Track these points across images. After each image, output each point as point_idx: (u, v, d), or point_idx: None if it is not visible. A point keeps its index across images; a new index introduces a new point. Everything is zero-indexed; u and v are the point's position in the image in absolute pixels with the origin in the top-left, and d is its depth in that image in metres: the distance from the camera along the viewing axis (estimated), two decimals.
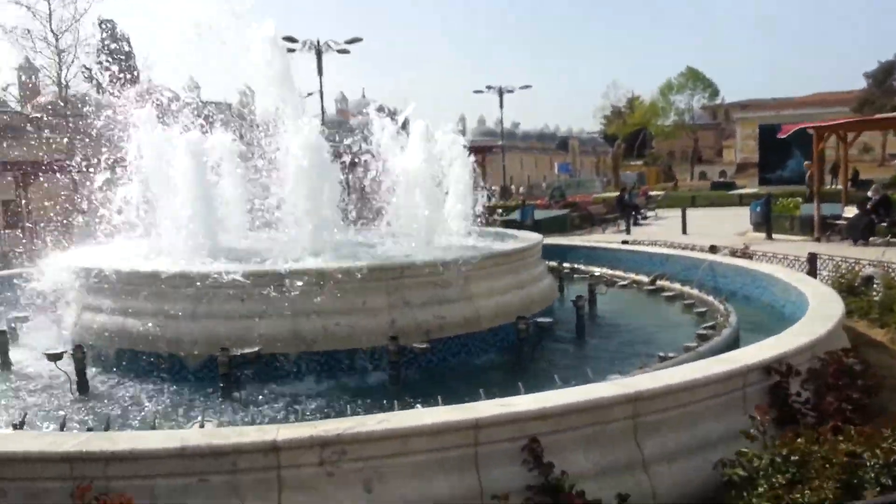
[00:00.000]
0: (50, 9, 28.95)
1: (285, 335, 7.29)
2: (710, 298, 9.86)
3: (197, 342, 7.29)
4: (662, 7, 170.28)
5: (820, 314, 6.95)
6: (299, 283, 7.34)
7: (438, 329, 7.75)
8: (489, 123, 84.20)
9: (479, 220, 10.84)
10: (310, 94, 63.73)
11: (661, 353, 7.11)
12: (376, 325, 7.46)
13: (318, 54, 41.94)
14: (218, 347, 6.94)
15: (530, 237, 10.47)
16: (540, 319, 8.10)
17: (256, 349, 6.93)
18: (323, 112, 42.97)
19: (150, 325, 7.46)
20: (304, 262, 7.76)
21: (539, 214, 27.44)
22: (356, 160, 10.06)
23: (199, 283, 7.42)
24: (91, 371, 7.64)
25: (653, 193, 43.73)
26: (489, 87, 59.31)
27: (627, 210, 27.04)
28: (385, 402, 6.42)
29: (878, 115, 31.91)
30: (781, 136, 25.38)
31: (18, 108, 40.17)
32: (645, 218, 30.67)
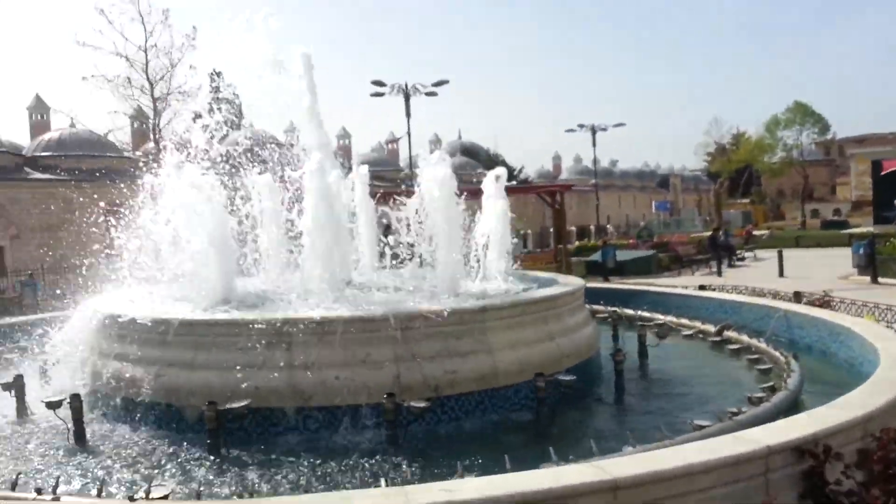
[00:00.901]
0: (146, 59, 30.53)
1: (281, 388, 6.84)
2: (777, 353, 8.73)
3: (193, 393, 6.94)
4: (766, 40, 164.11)
5: (887, 381, 5.86)
6: (297, 333, 6.92)
7: (449, 385, 7.09)
8: (586, 162, 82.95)
9: (517, 263, 10.18)
10: (397, 139, 64.80)
11: (698, 422, 6.19)
12: (379, 379, 6.88)
13: (406, 98, 42.53)
14: (215, 398, 6.57)
15: (570, 282, 9.66)
16: (562, 377, 7.29)
17: (245, 403, 6.50)
18: (410, 154, 43.40)
19: (150, 373, 7.20)
20: (302, 311, 7.32)
21: (624, 255, 26.25)
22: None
23: (196, 332, 7.12)
24: (96, 418, 7.48)
25: (757, 233, 41.41)
26: (581, 126, 58.38)
27: (717, 251, 25.39)
28: (376, 466, 5.92)
29: None
30: (885, 172, 23.26)
31: (128, 153, 42.69)
32: (741, 259, 28.82)
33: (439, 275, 8.82)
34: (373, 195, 12.48)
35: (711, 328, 10.89)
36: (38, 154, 46.49)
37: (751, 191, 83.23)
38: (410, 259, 9.56)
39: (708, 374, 8.93)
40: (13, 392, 7.70)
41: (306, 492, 4.62)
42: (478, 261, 10.33)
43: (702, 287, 14.63)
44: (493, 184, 10.59)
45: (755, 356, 9.25)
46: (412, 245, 9.21)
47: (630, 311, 12.61)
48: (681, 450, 4.62)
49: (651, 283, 19.24)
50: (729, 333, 10.44)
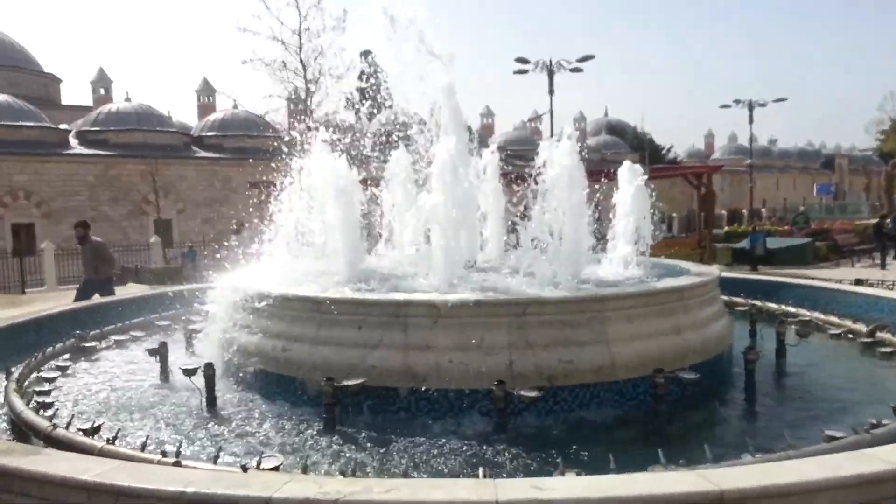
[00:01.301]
0: (300, 42, 31.94)
1: (397, 369, 6.99)
2: None
3: (316, 367, 7.23)
4: None
5: None
6: (413, 315, 7.04)
7: (563, 375, 6.95)
8: (741, 140, 78.46)
9: (648, 248, 9.79)
10: (539, 116, 63.92)
11: (829, 433, 5.70)
12: (492, 364, 6.86)
13: (550, 74, 42.01)
14: (334, 374, 6.83)
15: (704, 272, 9.15)
16: (684, 374, 6.95)
17: (361, 381, 6.70)
18: (552, 132, 42.87)
19: (277, 346, 7.59)
20: (419, 294, 7.40)
21: (775, 243, 24.62)
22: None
23: (320, 309, 7.40)
24: (229, 386, 7.98)
25: None
26: (738, 102, 55.22)
27: (882, 241, 23.24)
28: (480, 453, 5.93)
29: None
30: None
31: (283, 134, 45.05)
32: None
33: (562, 260, 8.64)
34: (507, 175, 12.44)
35: (863, 328, 9.99)
36: (204, 134, 50.22)
37: None
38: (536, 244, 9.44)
39: (852, 378, 8.20)
40: (158, 358, 8.37)
41: (405, 475, 4.69)
42: (606, 246, 10.08)
43: (858, 281, 13.45)
44: (627, 167, 10.25)
45: None
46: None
47: (773, 305, 11.82)
48: (801, 464, 4.27)
49: (803, 274, 17.91)
50: (882, 335, 9.53)
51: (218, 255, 11.42)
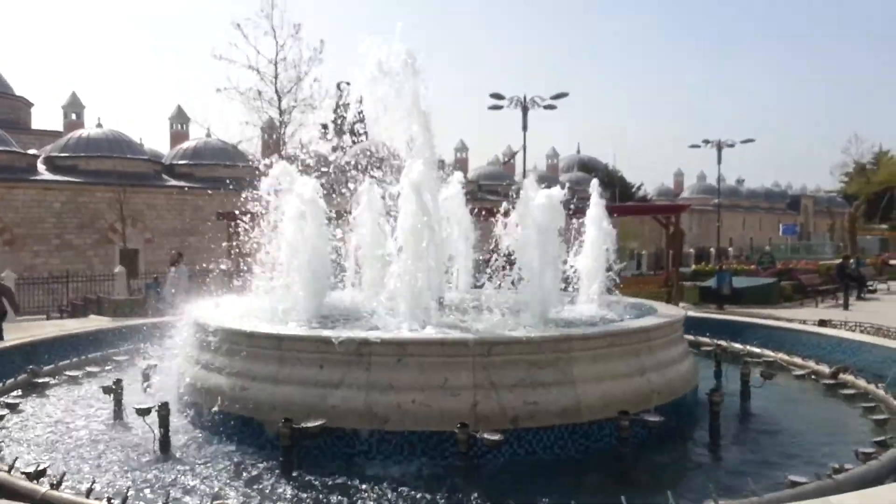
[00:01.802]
0: (276, 72, 31.93)
1: (359, 409, 6.83)
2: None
3: (275, 408, 7.04)
4: None
5: None
6: (375, 354, 6.92)
7: (528, 417, 6.85)
8: (710, 179, 79.80)
9: (617, 287, 9.80)
10: (514, 153, 64.66)
11: (793, 478, 5.65)
12: (456, 406, 6.74)
13: (524, 110, 42.37)
14: (293, 415, 6.65)
15: (669, 313, 9.16)
16: (648, 417, 6.89)
17: (321, 423, 6.53)
18: (525, 168, 43.26)
19: (235, 385, 7.39)
20: (383, 332, 7.29)
21: (741, 282, 24.89)
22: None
23: (281, 346, 7.25)
24: (185, 427, 7.74)
25: (894, 263, 38.35)
26: (707, 142, 56.23)
27: (845, 281, 23.62)
28: (442, 499, 5.79)
29: None
30: None
31: (256, 164, 44.75)
32: (872, 291, 26.71)
33: (530, 299, 8.60)
34: (479, 211, 12.40)
35: (826, 369, 10.05)
36: (175, 162, 49.78)
37: (891, 216, 77.26)
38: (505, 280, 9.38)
39: (815, 421, 8.21)
40: (112, 396, 8.10)
41: None
42: (573, 285, 10.06)
43: (822, 322, 13.58)
44: (595, 206, 10.31)
45: (871, 404, 8.43)
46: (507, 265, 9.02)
47: (738, 346, 11.87)
48: None
49: (768, 314, 18.10)
50: (845, 377, 9.58)
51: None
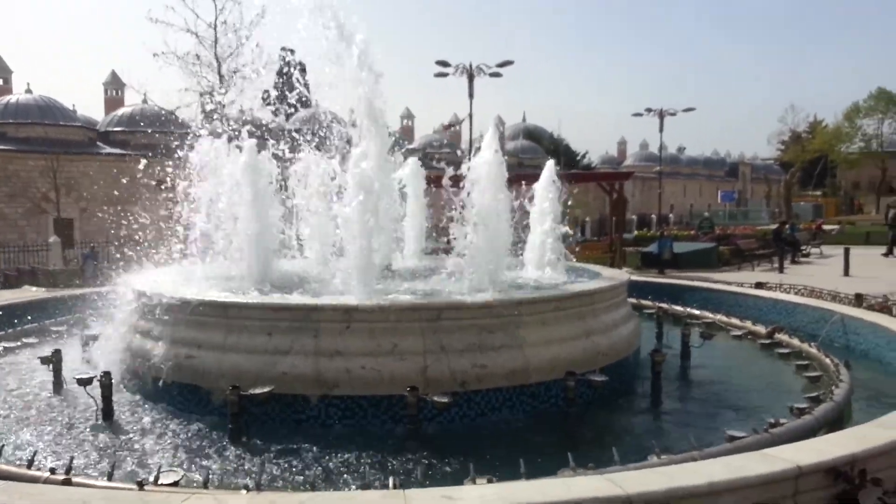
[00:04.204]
0: (216, 36, 30.96)
1: (308, 375, 6.80)
2: (828, 360, 8.26)
3: (223, 375, 6.95)
4: (848, 23, 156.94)
5: None
6: (324, 321, 6.87)
7: (476, 380, 6.92)
8: (652, 148, 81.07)
9: (572, 252, 9.92)
10: (460, 121, 64.22)
11: (732, 433, 5.86)
12: (406, 370, 6.77)
13: (470, 78, 42.09)
14: (242, 383, 6.57)
15: (613, 276, 9.33)
16: (593, 377, 7.04)
17: (269, 389, 6.48)
18: (471, 136, 43.11)
19: (181, 353, 7.26)
20: (332, 298, 7.24)
21: (681, 247, 25.44)
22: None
23: (227, 313, 7.13)
24: (127, 396, 7.59)
25: (827, 227, 39.74)
26: (649, 110, 56.95)
27: (781, 246, 24.39)
28: (391, 462, 5.81)
29: None
30: None
31: (194, 130, 43.54)
32: (806, 256, 27.65)
33: (479, 264, 8.62)
34: (429, 179, 12.35)
35: (762, 329, 10.42)
36: (110, 129, 48.02)
37: (824, 183, 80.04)
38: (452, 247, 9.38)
39: (753, 379, 8.51)
40: (50, 366, 7.87)
41: (313, 488, 4.54)
42: (523, 250, 10.14)
43: (758, 284, 14.02)
44: (545, 172, 10.34)
45: (805, 362, 8.79)
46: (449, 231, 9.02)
47: (679, 308, 12.19)
48: (705, 465, 4.36)
49: (706, 277, 18.56)
50: (780, 336, 9.96)
51: (124, 257, 10.88)
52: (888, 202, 26.36)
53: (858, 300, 11.29)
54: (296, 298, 7.26)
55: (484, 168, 8.48)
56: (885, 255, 26.62)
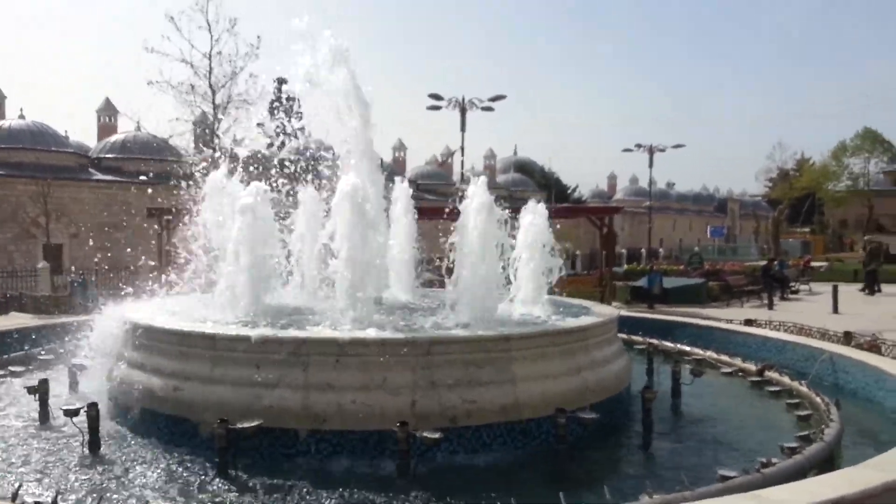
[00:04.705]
0: (210, 66, 31.22)
1: (297, 409, 6.75)
2: (818, 399, 8.27)
3: (210, 408, 6.89)
4: (836, 64, 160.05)
5: None
6: (314, 354, 6.84)
7: (466, 415, 6.89)
8: (642, 183, 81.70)
9: (557, 287, 9.92)
10: (451, 153, 64.79)
11: (723, 472, 5.83)
12: (396, 405, 6.74)
13: (462, 112, 42.47)
14: (229, 415, 6.51)
15: (603, 313, 9.35)
16: (583, 414, 7.02)
17: (257, 423, 6.42)
18: (462, 169, 43.36)
19: (168, 385, 7.20)
20: (321, 331, 7.22)
21: (671, 282, 25.55)
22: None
23: (215, 346, 7.10)
24: (115, 428, 7.51)
25: (815, 264, 40.01)
26: (639, 146, 57.58)
27: (770, 282, 24.53)
28: (380, 498, 5.75)
29: None
30: None
31: (188, 159, 43.60)
32: (795, 292, 27.81)
33: (469, 299, 8.62)
34: (422, 210, 12.39)
35: (753, 367, 10.43)
36: (103, 156, 48.04)
37: (812, 220, 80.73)
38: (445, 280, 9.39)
39: (743, 417, 8.51)
40: (37, 396, 7.78)
41: None
42: (512, 285, 10.13)
43: (748, 321, 14.06)
44: (532, 206, 10.38)
45: (796, 400, 8.79)
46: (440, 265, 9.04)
47: (669, 344, 12.20)
48: None
49: (696, 313, 18.65)
50: (770, 374, 9.97)
51: (114, 285, 10.83)
52: (865, 240, 27.28)
53: (847, 338, 11.34)
54: (284, 331, 7.22)
55: (476, 205, 8.53)
56: (863, 290, 26.95)
